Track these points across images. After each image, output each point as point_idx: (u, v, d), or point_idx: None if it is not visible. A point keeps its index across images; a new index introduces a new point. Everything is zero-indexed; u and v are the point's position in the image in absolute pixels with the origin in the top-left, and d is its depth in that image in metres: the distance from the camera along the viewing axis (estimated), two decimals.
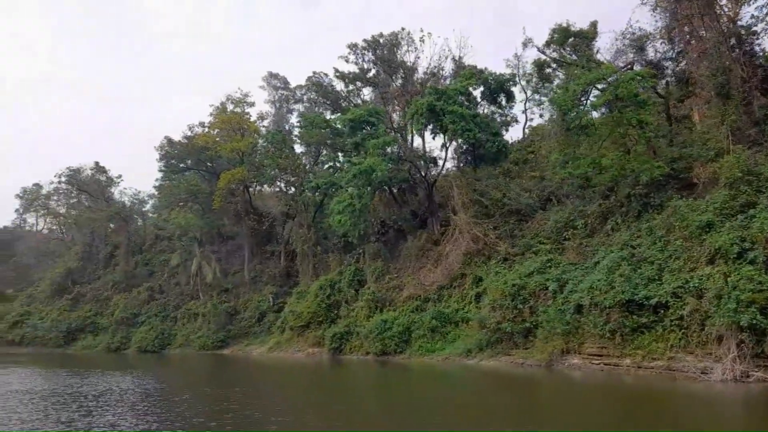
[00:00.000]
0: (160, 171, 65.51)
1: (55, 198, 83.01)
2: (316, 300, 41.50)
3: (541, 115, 40.19)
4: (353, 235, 41.79)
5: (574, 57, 35.73)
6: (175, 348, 50.72)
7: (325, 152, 52.29)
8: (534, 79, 36.71)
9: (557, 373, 23.72)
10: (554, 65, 35.87)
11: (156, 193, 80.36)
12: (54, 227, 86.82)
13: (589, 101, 28.91)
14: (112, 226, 68.47)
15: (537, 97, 36.58)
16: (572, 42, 35.81)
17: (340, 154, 50.99)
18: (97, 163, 69.30)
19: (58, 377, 25.54)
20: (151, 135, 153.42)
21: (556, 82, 34.79)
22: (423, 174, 42.52)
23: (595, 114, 29.37)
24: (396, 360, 33.21)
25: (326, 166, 54.58)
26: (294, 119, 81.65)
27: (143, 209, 70.95)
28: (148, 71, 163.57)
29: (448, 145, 41.55)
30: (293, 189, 56.41)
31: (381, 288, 38.95)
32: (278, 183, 60.32)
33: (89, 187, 69.81)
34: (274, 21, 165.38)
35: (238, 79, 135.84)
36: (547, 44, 36.72)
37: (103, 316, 56.64)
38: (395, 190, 47.94)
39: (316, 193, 51.58)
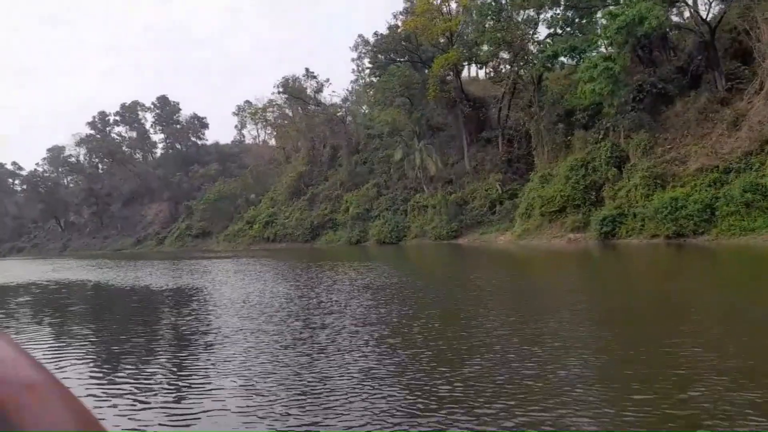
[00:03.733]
0: (367, 68, 63.91)
1: (270, 110, 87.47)
2: (569, 183, 36.46)
3: None
4: (612, 105, 35.17)
5: None
6: (411, 239, 50.48)
7: (551, 14, 44.38)
8: None
9: None
10: None
11: (348, 94, 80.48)
12: (273, 136, 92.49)
13: None
14: (327, 131, 69.56)
15: None
16: None
17: (569, 13, 42.89)
18: (307, 70, 69.93)
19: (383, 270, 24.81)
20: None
21: None
22: (702, 17, 33.22)
23: None
24: (696, 242, 27.36)
25: (545, 35, 47.03)
26: None
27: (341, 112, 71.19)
28: None
29: None
30: (510, 66, 50.31)
31: (656, 163, 32.37)
32: (492, 63, 54.48)
33: (302, 93, 71.15)
34: None
35: None
36: None
37: (338, 213, 58.71)
38: (639, 49, 39.45)
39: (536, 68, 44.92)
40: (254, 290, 16.32)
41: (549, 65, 45.16)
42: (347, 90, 79.17)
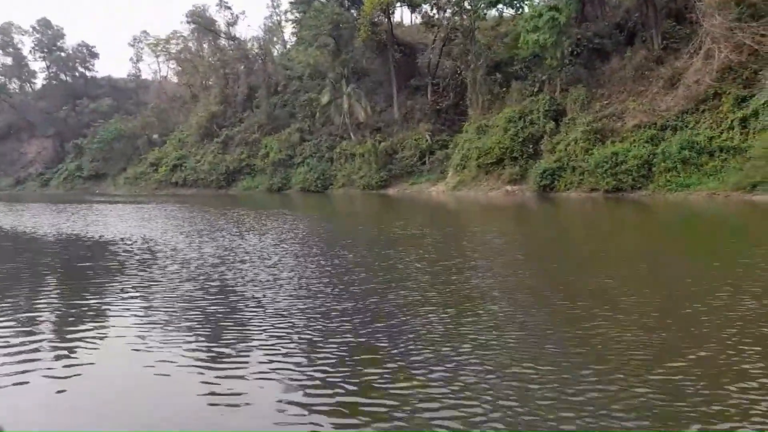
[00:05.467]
0: (290, 1, 59.00)
1: (174, 42, 79.07)
2: (507, 134, 35.96)
3: None
4: (554, 57, 34.72)
5: None
6: (338, 188, 48.29)
7: None
8: None
9: None
10: None
11: (264, 31, 74.41)
12: (177, 71, 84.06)
13: None
14: (242, 68, 64.03)
15: None
16: None
17: None
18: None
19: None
20: None
21: None
22: None
23: None
24: (633, 197, 28.01)
25: None
26: None
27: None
28: None
29: None
30: (444, 12, 48.37)
31: (594, 118, 32.57)
32: (425, 7, 52.12)
33: (213, 25, 64.57)
34: None
35: None
36: None
37: (257, 158, 54.63)
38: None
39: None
40: (234, 244, 13.06)
41: (484, 14, 44.12)
42: (261, 27, 73.38)
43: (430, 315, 6.49)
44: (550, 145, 33.95)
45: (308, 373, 4.84)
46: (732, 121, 27.10)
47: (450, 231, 16.12)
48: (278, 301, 7.48)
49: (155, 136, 67.39)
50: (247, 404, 4.32)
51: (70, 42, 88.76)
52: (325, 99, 50.82)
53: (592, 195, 29.78)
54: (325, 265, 10.25)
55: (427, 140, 46.91)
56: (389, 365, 4.90)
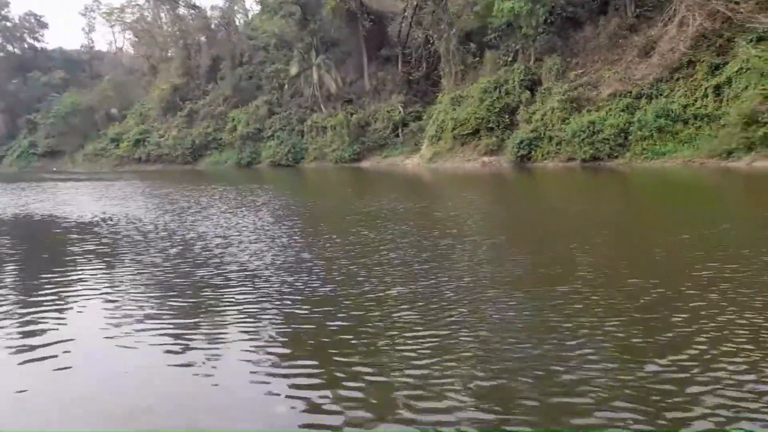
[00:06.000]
0: None
1: (130, 11, 74.40)
2: (483, 105, 35.24)
3: None
4: (530, 25, 33.94)
5: None
6: (310, 161, 46.79)
7: None
8: None
9: None
10: None
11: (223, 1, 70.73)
12: (133, 42, 79.39)
13: None
14: (204, 38, 60.75)
15: None
16: None
17: None
18: None
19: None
20: None
21: None
22: None
23: None
24: (610, 165, 27.88)
25: None
26: None
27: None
28: None
29: None
30: None
31: (571, 87, 32.15)
32: None
33: None
34: None
35: None
36: None
37: (224, 132, 52.22)
38: None
39: None
40: (232, 223, 11.74)
41: None
42: None
43: (502, 300, 5.73)
44: (526, 115, 33.43)
45: (404, 380, 4.00)
46: (706, 88, 27.04)
47: (453, 204, 15.36)
48: (318, 288, 6.57)
49: (114, 110, 63.70)
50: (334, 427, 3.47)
51: (15, 11, 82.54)
52: (293, 70, 48.75)
53: (569, 164, 29.53)
54: (345, 244, 9.34)
55: (399, 112, 45.79)
56: (495, 367, 4.10)
